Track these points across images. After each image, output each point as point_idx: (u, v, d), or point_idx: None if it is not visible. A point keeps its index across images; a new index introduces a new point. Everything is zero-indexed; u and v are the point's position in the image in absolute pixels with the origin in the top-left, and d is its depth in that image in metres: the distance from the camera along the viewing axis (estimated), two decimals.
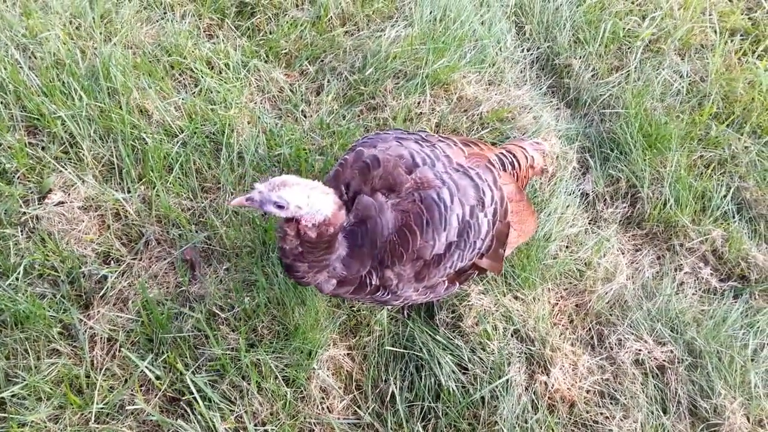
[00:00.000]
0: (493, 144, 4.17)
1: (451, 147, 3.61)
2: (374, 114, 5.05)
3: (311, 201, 2.98)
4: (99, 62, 4.71)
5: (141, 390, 3.86)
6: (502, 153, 3.94)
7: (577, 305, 4.48)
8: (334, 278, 3.36)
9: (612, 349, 4.26)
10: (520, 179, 4.05)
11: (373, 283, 3.37)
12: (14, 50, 4.72)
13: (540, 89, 5.58)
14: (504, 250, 3.69)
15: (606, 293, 4.48)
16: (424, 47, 5.23)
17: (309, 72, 5.28)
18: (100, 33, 4.98)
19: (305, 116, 5.03)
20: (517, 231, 3.79)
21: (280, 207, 2.98)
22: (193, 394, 3.76)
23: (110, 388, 3.83)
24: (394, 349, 4.14)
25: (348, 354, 4.14)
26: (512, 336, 4.22)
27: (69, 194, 4.38)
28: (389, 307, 4.21)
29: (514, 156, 4.00)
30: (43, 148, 4.51)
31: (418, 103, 5.12)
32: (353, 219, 3.29)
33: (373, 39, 5.34)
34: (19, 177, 4.38)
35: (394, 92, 5.12)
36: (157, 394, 3.86)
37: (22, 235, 4.18)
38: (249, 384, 3.88)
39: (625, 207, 4.96)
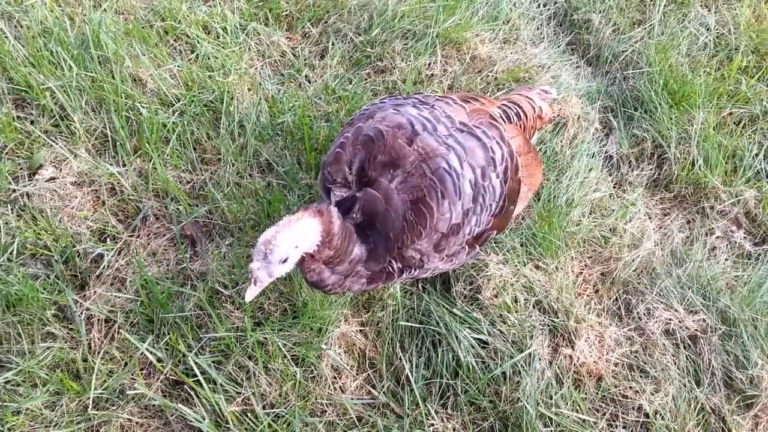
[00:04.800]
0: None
1: (451, 105, 3.59)
2: (382, 77, 5.02)
3: (298, 233, 3.01)
4: (89, 29, 4.68)
5: (142, 373, 3.85)
6: (505, 104, 3.93)
7: (602, 274, 4.45)
8: (363, 278, 3.39)
9: (640, 320, 4.24)
10: (527, 130, 4.03)
11: (396, 267, 3.39)
12: None
13: (558, 47, 5.54)
14: (514, 207, 3.68)
15: (633, 260, 4.44)
16: (434, 5, 5.19)
17: (312, 34, 5.25)
18: None
19: (309, 81, 5.01)
20: (527, 185, 3.77)
21: (286, 260, 3.03)
22: (197, 376, 3.75)
23: (109, 372, 3.82)
24: (410, 324, 4.12)
25: (360, 330, 4.13)
26: (534, 307, 4.20)
27: (60, 169, 4.36)
28: (420, 279, 4.19)
29: (519, 107, 3.98)
30: (32, 122, 4.49)
31: (429, 64, 5.09)
32: (360, 217, 3.30)
33: None
34: (7, 152, 4.36)
35: (403, 53, 5.09)
36: (159, 378, 3.84)
37: (12, 213, 4.16)
38: (256, 364, 3.86)
39: (651, 169, 4.92)
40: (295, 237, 2.99)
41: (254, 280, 3.03)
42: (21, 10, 4.80)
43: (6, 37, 4.64)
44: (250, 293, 3.08)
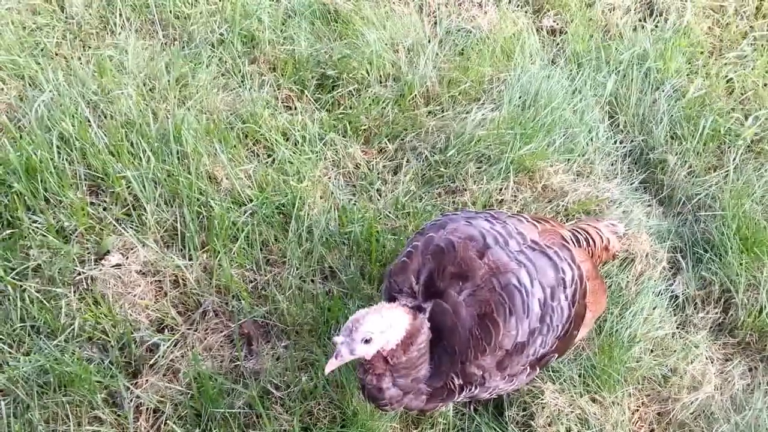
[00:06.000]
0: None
1: (523, 223, 3.59)
2: (453, 197, 5.03)
3: (388, 319, 3.03)
4: (171, 125, 4.76)
5: None
6: (575, 230, 3.92)
7: (659, 413, 4.36)
8: (423, 394, 3.34)
9: None
10: (595, 257, 4.00)
11: (457, 384, 3.33)
12: (84, 107, 4.79)
13: (631, 184, 5.49)
14: (578, 332, 3.64)
15: (691, 403, 4.35)
16: (511, 132, 5.20)
17: (388, 150, 5.29)
18: (175, 96, 5.04)
19: (380, 195, 5.02)
20: (591, 311, 3.73)
21: (368, 341, 3.02)
22: None
23: None
24: None
25: None
26: None
27: (127, 257, 4.40)
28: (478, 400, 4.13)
29: (589, 234, 3.97)
30: (104, 208, 4.56)
31: (500, 189, 5.08)
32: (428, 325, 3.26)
33: (458, 120, 5.33)
34: (77, 236, 4.42)
35: (476, 176, 5.09)
36: None
37: (74, 295, 4.20)
38: None
39: (716, 312, 4.82)
40: (384, 322, 3.01)
41: (336, 353, 3.03)
42: (106, 100, 4.89)
43: (89, 124, 4.72)
44: (330, 366, 3.08)
